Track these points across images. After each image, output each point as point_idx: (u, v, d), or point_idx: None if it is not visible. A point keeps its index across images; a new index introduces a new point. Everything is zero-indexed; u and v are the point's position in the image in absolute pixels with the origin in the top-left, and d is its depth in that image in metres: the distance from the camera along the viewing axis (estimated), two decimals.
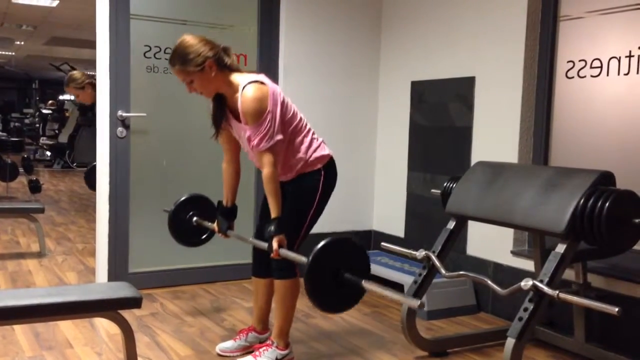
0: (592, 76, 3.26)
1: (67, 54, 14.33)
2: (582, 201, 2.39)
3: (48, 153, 13.75)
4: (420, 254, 2.85)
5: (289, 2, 4.21)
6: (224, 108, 2.65)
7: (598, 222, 2.33)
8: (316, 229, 2.75)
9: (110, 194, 3.82)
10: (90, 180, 4.92)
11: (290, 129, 2.62)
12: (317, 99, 4.37)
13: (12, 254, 4.98)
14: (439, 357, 2.97)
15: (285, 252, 2.45)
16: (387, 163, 4.56)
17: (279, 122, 2.51)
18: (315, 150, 2.68)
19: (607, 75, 3.18)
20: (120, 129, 3.82)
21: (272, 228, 2.48)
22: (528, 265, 3.37)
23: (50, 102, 16.88)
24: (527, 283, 2.31)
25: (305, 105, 4.29)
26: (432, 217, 4.06)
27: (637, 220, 2.37)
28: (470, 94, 3.80)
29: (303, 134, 2.66)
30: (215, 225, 2.92)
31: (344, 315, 3.49)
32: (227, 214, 2.87)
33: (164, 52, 3.92)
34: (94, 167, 3.97)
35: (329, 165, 2.72)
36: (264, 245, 2.54)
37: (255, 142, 2.50)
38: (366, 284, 2.13)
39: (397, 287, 3.69)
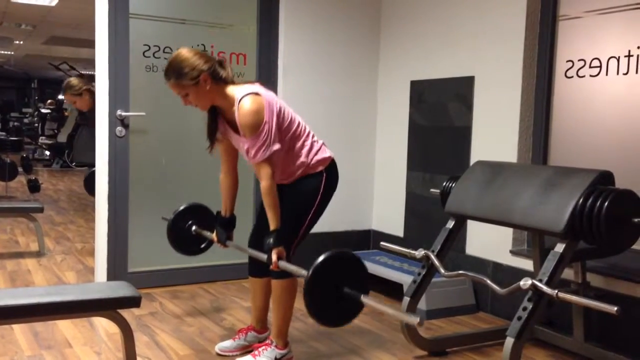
0: (591, 76, 3.26)
1: (66, 54, 14.31)
2: (581, 200, 2.39)
3: (47, 152, 13.74)
4: (419, 253, 2.86)
5: (288, 1, 4.21)
6: (218, 121, 2.67)
7: (597, 221, 2.34)
8: (316, 228, 2.76)
9: (109, 193, 3.82)
10: (89, 185, 4.92)
11: (288, 136, 2.61)
12: (317, 99, 4.37)
13: (11, 254, 4.97)
14: (438, 357, 2.97)
15: (285, 265, 2.46)
16: (386, 163, 4.56)
17: (275, 132, 2.50)
18: (316, 154, 2.68)
19: (606, 74, 3.18)
20: (119, 128, 3.82)
21: (271, 240, 2.48)
22: (527, 264, 3.37)
23: (49, 101, 16.88)
24: (526, 282, 2.31)
25: (304, 105, 4.31)
26: (432, 216, 4.06)
27: (636, 220, 2.38)
28: (470, 93, 3.80)
29: (303, 139, 2.66)
30: (214, 235, 2.92)
31: None
32: (226, 225, 2.87)
33: (163, 52, 3.92)
34: (93, 172, 3.97)
35: (330, 168, 2.72)
36: (263, 256, 2.55)
37: (252, 153, 2.50)
38: (365, 299, 2.13)
39: (396, 286, 3.70)
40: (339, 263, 2.19)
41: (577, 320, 2.92)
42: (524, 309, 2.32)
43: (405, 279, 3.60)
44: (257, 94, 2.51)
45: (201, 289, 4.00)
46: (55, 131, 13.76)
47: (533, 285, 2.30)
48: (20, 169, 8.63)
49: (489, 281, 2.50)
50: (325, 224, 2.79)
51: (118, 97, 3.80)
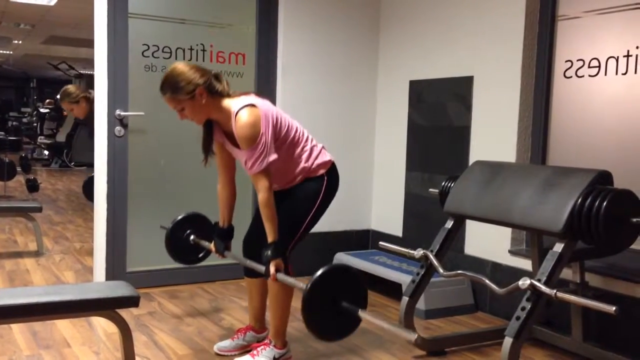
0: (590, 76, 3.26)
1: (65, 53, 14.30)
2: (579, 200, 2.39)
3: (46, 152, 13.73)
4: (418, 253, 2.86)
5: (287, 1, 4.21)
6: (213, 135, 2.68)
7: (596, 221, 2.34)
8: (315, 228, 2.75)
9: (108, 193, 3.82)
10: (88, 190, 4.92)
11: (286, 144, 2.61)
12: (316, 99, 4.37)
13: (9, 253, 4.97)
14: (437, 357, 2.97)
15: (283, 277, 2.46)
16: (385, 162, 4.56)
17: (271, 143, 2.50)
18: (316, 158, 2.69)
19: (605, 74, 3.18)
20: (118, 128, 3.82)
21: (269, 252, 2.48)
22: (526, 264, 3.37)
23: (48, 101, 16.84)
24: (524, 282, 2.31)
25: (303, 105, 4.31)
26: (430, 216, 4.06)
27: (634, 220, 2.38)
28: (469, 93, 3.80)
29: (302, 144, 2.66)
30: (212, 246, 2.92)
31: None
32: (224, 235, 2.87)
33: (162, 51, 3.92)
34: (92, 177, 3.97)
35: (331, 171, 2.73)
36: (261, 268, 2.55)
37: (249, 164, 2.51)
38: (362, 314, 2.14)
39: (395, 286, 3.70)
40: (337, 277, 2.20)
41: (576, 320, 2.92)
42: (523, 308, 2.33)
43: (404, 279, 3.61)
44: (253, 105, 2.50)
45: (200, 289, 4.00)
46: (54, 131, 13.75)
47: (532, 285, 2.30)
48: (18, 169, 8.62)
49: (487, 281, 2.50)
50: (324, 223, 2.79)
51: (117, 96, 3.80)
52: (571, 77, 3.36)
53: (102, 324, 3.27)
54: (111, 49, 3.75)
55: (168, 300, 3.75)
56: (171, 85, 2.50)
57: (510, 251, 3.54)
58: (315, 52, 4.35)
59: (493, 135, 3.65)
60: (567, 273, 2.82)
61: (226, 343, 2.92)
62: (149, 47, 3.88)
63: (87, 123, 4.75)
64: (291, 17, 4.24)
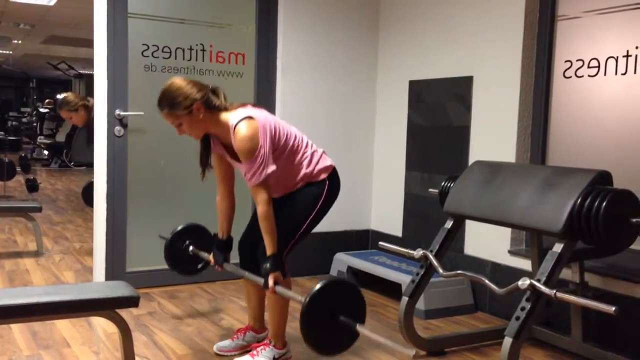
0: (589, 76, 3.26)
1: (65, 53, 14.30)
2: (579, 200, 2.39)
3: (45, 152, 13.72)
4: (417, 253, 2.86)
5: (287, 1, 4.21)
6: (210, 149, 2.69)
7: (595, 221, 2.34)
8: (315, 228, 2.75)
9: (107, 193, 3.82)
10: (87, 196, 4.91)
11: (286, 153, 2.61)
12: (315, 99, 4.37)
13: (9, 253, 4.97)
14: (437, 357, 2.98)
15: (281, 290, 2.46)
16: (384, 162, 4.56)
17: (269, 154, 2.50)
18: (317, 163, 2.69)
19: (605, 75, 3.18)
20: (117, 127, 3.82)
21: (268, 265, 2.48)
22: (525, 264, 3.37)
23: (47, 101, 16.84)
24: (524, 282, 2.31)
25: (302, 105, 4.31)
26: (430, 216, 4.06)
27: (634, 220, 2.38)
28: (468, 93, 3.80)
29: (302, 151, 2.66)
30: (211, 257, 2.91)
31: None
32: (223, 247, 2.87)
33: (162, 51, 3.92)
34: (91, 183, 3.96)
35: (332, 176, 2.73)
36: (260, 280, 2.55)
37: (248, 177, 2.51)
38: (360, 329, 2.14)
39: (395, 286, 3.70)
40: (335, 291, 2.20)
41: (576, 320, 2.93)
42: (522, 308, 2.33)
43: (404, 279, 3.61)
44: (250, 117, 2.50)
45: (199, 289, 4.00)
46: (54, 131, 13.74)
47: (531, 285, 2.30)
48: (18, 169, 8.62)
49: (487, 281, 2.50)
50: (324, 224, 2.79)
51: (117, 96, 3.80)
52: (571, 77, 3.36)
53: (101, 324, 3.27)
54: (111, 49, 3.75)
55: (168, 300, 3.75)
56: (168, 101, 2.50)
57: (509, 251, 3.54)
58: (315, 52, 4.35)
59: (493, 135, 3.65)
60: (566, 273, 2.82)
61: (226, 343, 2.92)
62: (148, 47, 3.88)
63: (86, 127, 4.75)
64: (291, 17, 4.24)
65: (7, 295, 2.13)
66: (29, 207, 5.00)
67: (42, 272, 4.37)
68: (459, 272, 2.70)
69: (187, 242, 3.06)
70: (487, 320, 3.57)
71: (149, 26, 3.88)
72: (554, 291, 2.24)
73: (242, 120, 2.49)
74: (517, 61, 3.49)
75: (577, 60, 3.32)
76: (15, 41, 13.04)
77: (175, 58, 3.96)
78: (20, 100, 23.92)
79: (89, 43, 4.30)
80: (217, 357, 2.88)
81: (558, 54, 3.44)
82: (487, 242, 3.66)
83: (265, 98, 4.22)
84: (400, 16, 4.38)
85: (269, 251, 2.51)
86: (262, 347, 2.75)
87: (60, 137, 12.66)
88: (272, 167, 2.50)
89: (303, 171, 2.66)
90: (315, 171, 2.67)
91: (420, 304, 3.50)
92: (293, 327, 3.17)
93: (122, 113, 3.82)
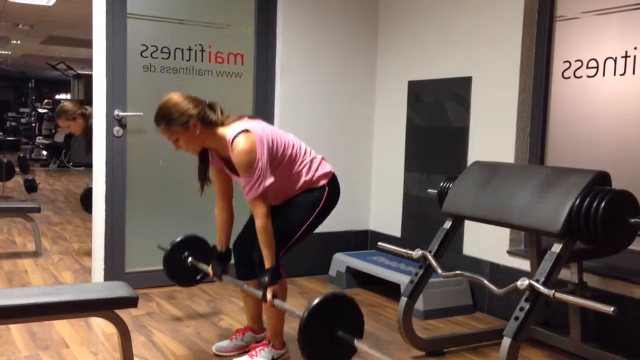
0: (588, 76, 3.27)
1: (64, 53, 14.30)
2: (578, 201, 2.39)
3: (44, 152, 13.72)
4: (416, 253, 2.86)
5: (286, 1, 4.21)
6: (207, 163, 2.69)
7: (594, 221, 2.34)
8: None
9: (106, 193, 3.82)
10: (86, 202, 4.91)
11: (284, 162, 2.61)
12: (314, 99, 4.37)
13: (8, 254, 4.97)
14: (436, 357, 2.98)
15: (280, 303, 2.47)
16: (383, 163, 4.56)
17: (267, 167, 2.49)
18: (317, 170, 2.69)
19: (603, 75, 3.18)
20: (116, 128, 3.82)
21: (267, 279, 2.48)
22: (524, 265, 3.38)
23: (46, 101, 16.85)
24: (523, 283, 2.32)
25: (301, 105, 4.31)
26: (429, 217, 4.06)
27: (632, 220, 2.38)
28: (467, 93, 3.80)
29: (300, 159, 2.66)
30: (209, 269, 2.91)
31: None
32: (222, 259, 2.87)
33: (161, 52, 3.92)
34: (90, 189, 3.95)
35: (332, 182, 2.73)
36: (259, 294, 2.55)
37: (246, 190, 2.51)
38: (358, 344, 2.14)
39: (394, 286, 3.70)
40: (334, 305, 2.20)
41: (574, 321, 2.93)
42: (521, 309, 2.33)
43: (403, 279, 3.61)
44: (247, 131, 2.50)
45: (198, 290, 4.00)
46: (53, 131, 13.73)
47: (530, 286, 2.30)
48: (17, 169, 8.61)
49: (486, 281, 2.50)
50: (323, 224, 2.79)
51: (115, 97, 3.80)
52: (569, 77, 3.36)
53: (100, 325, 3.27)
54: (110, 49, 3.75)
55: (166, 301, 3.74)
56: (165, 117, 2.51)
57: (508, 251, 3.54)
58: (314, 53, 4.35)
59: (491, 136, 3.66)
60: (565, 273, 2.82)
61: (224, 343, 2.92)
62: (147, 47, 3.88)
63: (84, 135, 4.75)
64: (290, 17, 4.24)
65: (5, 295, 2.13)
66: (27, 208, 5.00)
67: (40, 273, 4.37)
68: (457, 272, 2.70)
69: (186, 253, 3.06)
70: (486, 321, 3.57)
71: (148, 26, 3.88)
72: (553, 291, 2.24)
73: (239, 134, 2.49)
74: (516, 62, 3.49)
75: (576, 61, 3.32)
76: (14, 41, 13.03)
77: (175, 58, 3.96)
78: (19, 100, 23.91)
79: (87, 43, 4.31)
80: (216, 357, 2.88)
81: (557, 54, 3.44)
82: (486, 242, 3.66)
83: (264, 98, 4.22)
84: (399, 17, 4.38)
85: (267, 264, 2.51)
86: (260, 347, 2.75)
87: (59, 137, 12.65)
88: (269, 180, 2.50)
89: (303, 179, 2.66)
90: (314, 178, 2.68)
91: (419, 305, 3.50)
92: (292, 327, 3.17)
93: (121, 113, 3.81)
